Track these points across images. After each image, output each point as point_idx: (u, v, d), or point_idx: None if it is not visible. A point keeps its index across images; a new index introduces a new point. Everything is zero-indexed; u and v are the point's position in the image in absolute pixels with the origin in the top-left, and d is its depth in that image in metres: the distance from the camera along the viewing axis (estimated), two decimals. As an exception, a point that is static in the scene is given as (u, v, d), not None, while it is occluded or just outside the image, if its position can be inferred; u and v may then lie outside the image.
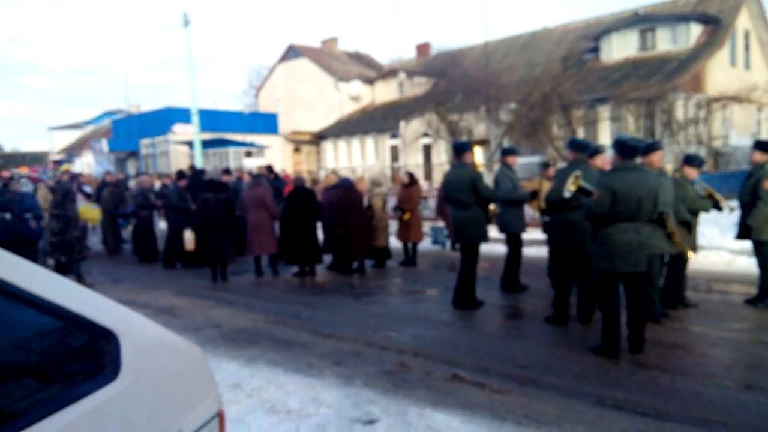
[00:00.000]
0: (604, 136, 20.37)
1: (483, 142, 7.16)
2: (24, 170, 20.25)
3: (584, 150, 6.19)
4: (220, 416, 2.01)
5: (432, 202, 15.04)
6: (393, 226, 10.90)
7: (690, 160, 6.70)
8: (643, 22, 23.75)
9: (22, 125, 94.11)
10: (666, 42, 22.95)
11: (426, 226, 13.37)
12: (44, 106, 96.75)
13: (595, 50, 25.10)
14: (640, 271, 5.13)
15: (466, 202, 6.76)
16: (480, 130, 22.24)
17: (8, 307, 1.47)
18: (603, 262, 5.11)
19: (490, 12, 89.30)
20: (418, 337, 6.01)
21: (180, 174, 11.67)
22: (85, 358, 1.64)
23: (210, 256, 9.41)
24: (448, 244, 11.90)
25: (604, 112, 20.68)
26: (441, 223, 12.36)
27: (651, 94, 18.47)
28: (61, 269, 9.10)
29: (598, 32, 25.17)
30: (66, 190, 9.24)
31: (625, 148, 5.08)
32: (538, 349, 5.56)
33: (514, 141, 19.64)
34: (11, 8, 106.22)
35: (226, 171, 12.41)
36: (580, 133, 20.24)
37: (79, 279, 9.18)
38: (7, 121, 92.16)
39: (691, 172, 6.62)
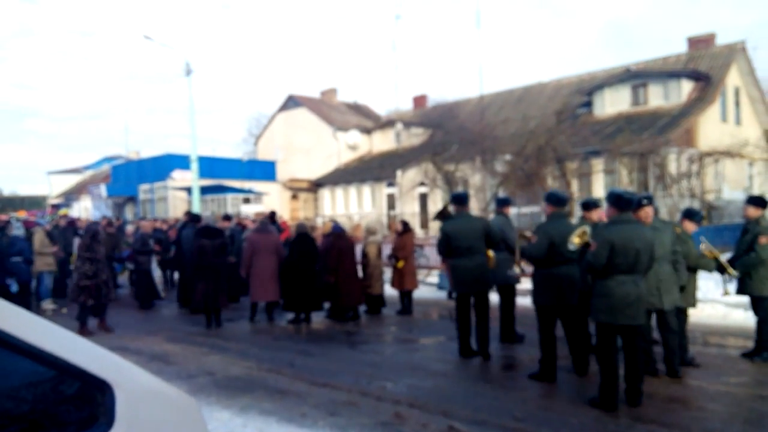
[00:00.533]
0: (598, 188, 20.59)
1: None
2: (22, 214, 20.26)
3: (563, 204, 6.23)
4: (213, 466, 1.99)
5: (428, 250, 15.04)
6: (388, 273, 10.88)
7: (690, 215, 6.67)
8: (635, 78, 24.32)
9: (21, 169, 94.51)
10: (658, 98, 23.45)
11: (421, 274, 13.36)
12: (45, 151, 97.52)
13: (589, 105, 25.60)
14: (638, 324, 5.13)
15: (480, 250, 6.88)
16: (476, 180, 22.47)
17: (2, 356, 1.47)
18: (602, 315, 5.10)
19: (486, 66, 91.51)
20: (414, 387, 5.94)
21: (194, 216, 11.62)
22: (79, 408, 1.63)
23: (204, 303, 9.34)
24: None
25: (598, 164, 20.95)
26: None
27: (644, 148, 18.77)
28: (90, 312, 9.08)
29: (591, 87, 25.73)
30: (93, 232, 9.17)
31: (621, 201, 5.17)
32: (534, 401, 5.50)
33: (509, 191, 19.82)
34: (17, 54, 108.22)
35: (227, 217, 12.40)
36: (575, 185, 20.46)
37: (104, 322, 9.27)
38: (8, 166, 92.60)
39: (691, 227, 6.62)
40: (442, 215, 7.47)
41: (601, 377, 5.14)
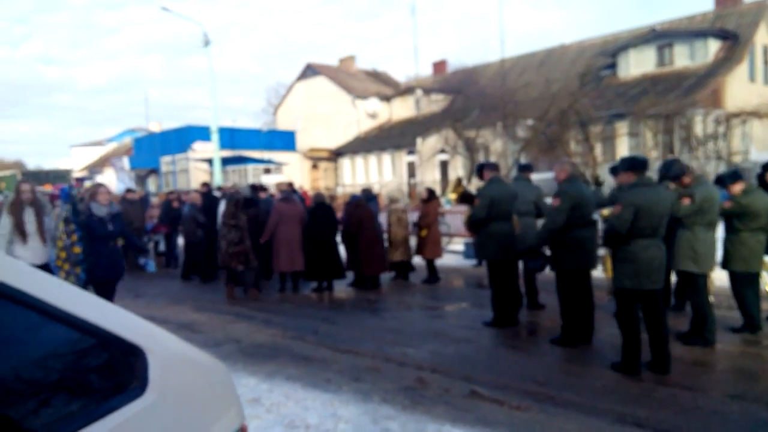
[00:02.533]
0: (622, 152, 20.30)
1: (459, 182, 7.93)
2: (48, 188, 20.60)
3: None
4: (243, 431, 2.05)
5: (449, 218, 14.96)
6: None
7: (741, 176, 6.40)
8: (660, 38, 23.71)
9: (45, 143, 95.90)
10: (684, 58, 22.87)
11: (442, 242, 13.32)
12: (70, 124, 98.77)
13: (613, 66, 25.08)
14: (660, 288, 5.10)
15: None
16: (497, 146, 22.28)
17: (39, 323, 1.52)
18: (627, 281, 5.05)
19: (507, 29, 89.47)
20: (436, 353, 6.01)
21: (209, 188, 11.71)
22: (113, 374, 1.68)
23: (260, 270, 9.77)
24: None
25: (622, 128, 20.63)
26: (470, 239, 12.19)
27: (669, 109, 18.41)
28: (235, 279, 9.36)
29: (615, 49, 25.17)
30: (237, 200, 9.28)
31: (636, 163, 5.13)
32: (556, 365, 5.53)
33: (532, 157, 19.63)
34: (42, 29, 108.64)
35: (262, 188, 12.19)
36: (598, 149, 20.19)
37: (253, 288, 9.44)
38: (34, 140, 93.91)
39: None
40: (467, 196, 7.36)
41: (624, 342, 5.13)
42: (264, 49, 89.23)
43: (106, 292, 6.77)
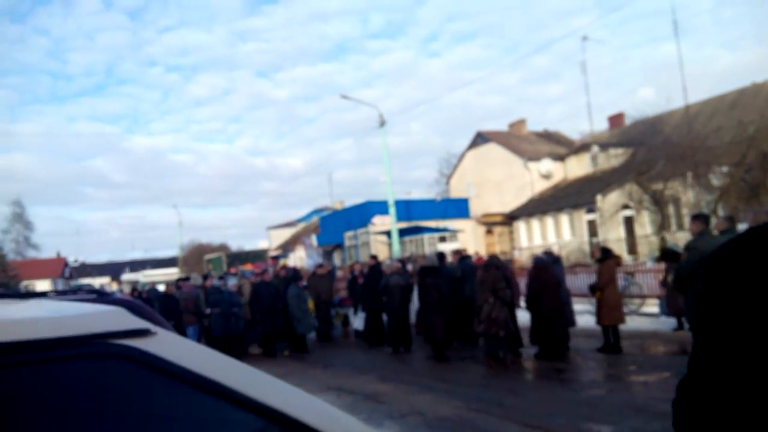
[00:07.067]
0: None
1: None
2: (248, 267, 22.70)
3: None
4: None
5: (639, 278, 13.85)
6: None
7: None
8: None
9: (247, 226, 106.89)
10: None
11: (634, 304, 12.31)
12: (270, 208, 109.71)
13: (820, 99, 22.15)
14: None
15: None
16: (689, 197, 20.46)
17: (223, 410, 1.51)
18: None
19: (688, 74, 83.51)
20: (639, 430, 5.40)
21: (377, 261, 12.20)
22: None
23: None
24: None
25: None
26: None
27: None
28: (501, 345, 8.96)
29: (821, 79, 22.29)
30: (495, 265, 9.15)
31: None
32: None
33: (731, 207, 17.70)
34: (254, 124, 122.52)
35: (457, 252, 12.95)
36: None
37: (494, 359, 8.95)
38: (240, 223, 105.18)
39: None
40: (670, 253, 6.76)
41: None
42: (437, 121, 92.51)
43: None
